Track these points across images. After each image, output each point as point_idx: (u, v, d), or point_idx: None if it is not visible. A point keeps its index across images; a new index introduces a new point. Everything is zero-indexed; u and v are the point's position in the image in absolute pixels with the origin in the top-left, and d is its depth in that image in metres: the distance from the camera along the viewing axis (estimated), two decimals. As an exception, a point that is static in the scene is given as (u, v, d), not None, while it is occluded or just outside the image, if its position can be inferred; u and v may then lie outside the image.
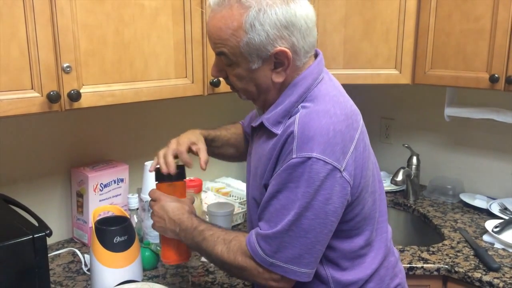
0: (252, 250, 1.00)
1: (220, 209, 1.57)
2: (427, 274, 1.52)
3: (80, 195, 1.60)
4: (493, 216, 1.84)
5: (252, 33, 0.96)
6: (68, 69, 1.20)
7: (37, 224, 1.15)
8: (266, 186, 1.03)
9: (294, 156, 0.95)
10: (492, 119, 1.90)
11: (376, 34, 1.81)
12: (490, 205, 1.90)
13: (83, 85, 1.25)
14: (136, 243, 1.31)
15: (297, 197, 0.95)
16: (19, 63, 1.13)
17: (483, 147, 2.06)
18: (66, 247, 1.59)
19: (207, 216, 1.60)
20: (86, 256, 1.49)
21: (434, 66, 1.79)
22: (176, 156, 1.19)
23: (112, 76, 1.31)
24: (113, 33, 1.29)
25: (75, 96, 1.21)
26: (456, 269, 1.48)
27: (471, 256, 1.56)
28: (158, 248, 1.43)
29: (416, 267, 1.51)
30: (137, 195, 1.54)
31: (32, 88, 1.16)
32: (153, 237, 1.49)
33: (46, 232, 1.08)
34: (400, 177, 1.96)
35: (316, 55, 1.08)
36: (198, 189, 1.61)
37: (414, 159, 2.12)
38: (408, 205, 2.05)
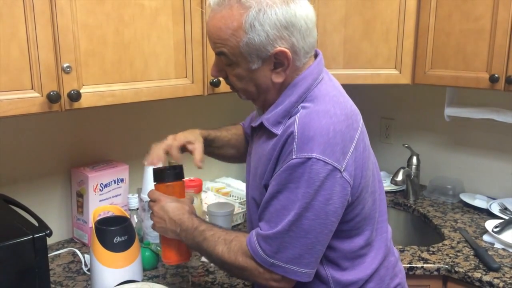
0: (253, 251, 1.00)
1: (220, 209, 1.57)
2: (427, 274, 1.52)
3: (80, 195, 1.60)
4: (493, 216, 1.84)
5: (252, 33, 0.96)
6: (68, 69, 1.20)
7: (37, 224, 1.15)
8: (266, 187, 1.03)
9: (294, 156, 0.95)
10: (492, 119, 1.90)
11: (376, 34, 1.81)
12: (490, 205, 1.90)
13: (83, 85, 1.25)
14: (136, 243, 1.31)
15: (297, 197, 0.95)
16: (19, 63, 1.13)
17: (483, 147, 2.06)
18: (66, 247, 1.60)
19: (207, 216, 1.60)
20: (86, 256, 1.49)
21: (434, 66, 1.79)
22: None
23: (112, 76, 1.31)
24: (113, 33, 1.29)
25: (75, 96, 1.21)
26: (456, 269, 1.49)
27: (471, 256, 1.56)
28: (158, 248, 1.43)
29: (416, 267, 1.51)
30: (137, 195, 1.54)
31: (32, 88, 1.16)
32: (153, 237, 1.49)
33: (46, 232, 1.08)
34: (400, 177, 1.96)
35: (316, 55, 1.08)
36: (198, 189, 1.62)
37: (414, 159, 2.12)
38: (408, 205, 2.05)
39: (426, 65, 1.80)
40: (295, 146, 0.96)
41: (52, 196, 1.62)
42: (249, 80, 1.03)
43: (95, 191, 1.57)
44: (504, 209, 1.87)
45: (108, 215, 1.38)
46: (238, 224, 1.78)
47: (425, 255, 1.58)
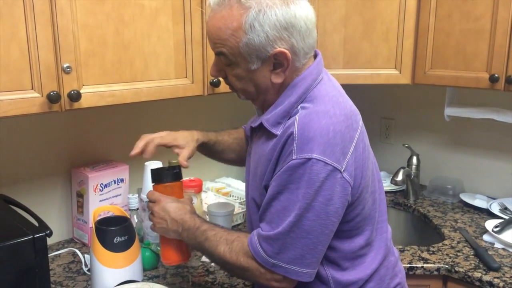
0: (254, 251, 1.01)
1: (220, 209, 1.57)
2: (427, 274, 1.52)
3: (80, 195, 1.60)
4: (493, 216, 1.84)
5: (252, 34, 0.96)
6: (68, 69, 1.20)
7: (37, 224, 1.15)
8: (266, 188, 1.03)
9: (294, 157, 0.95)
10: (492, 119, 1.90)
11: (376, 34, 1.81)
12: (490, 205, 1.90)
13: (83, 85, 1.25)
14: (136, 243, 1.31)
15: (297, 198, 0.95)
16: (19, 63, 1.13)
17: (483, 147, 2.06)
18: (66, 247, 1.60)
19: (207, 216, 1.60)
20: (86, 256, 1.49)
21: (434, 66, 1.79)
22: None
23: (112, 76, 1.31)
24: (113, 33, 1.29)
25: (75, 96, 1.21)
26: (456, 268, 1.49)
27: (471, 256, 1.56)
28: (158, 248, 1.43)
29: (416, 267, 1.52)
30: (137, 195, 1.55)
31: (32, 89, 1.16)
32: (153, 237, 1.49)
33: (46, 232, 1.09)
34: (400, 177, 1.96)
35: (315, 56, 1.08)
36: (198, 189, 1.62)
37: (414, 159, 2.12)
38: (408, 205, 2.05)
39: (426, 65, 1.80)
40: (295, 146, 0.96)
41: (52, 196, 1.62)
42: (249, 81, 1.03)
43: (95, 191, 1.57)
44: (504, 209, 1.87)
45: (108, 215, 1.38)
46: (238, 224, 1.79)
47: (425, 255, 1.58)
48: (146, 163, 1.52)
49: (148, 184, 1.50)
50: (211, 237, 1.07)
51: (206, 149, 1.34)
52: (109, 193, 1.62)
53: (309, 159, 0.94)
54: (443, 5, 1.73)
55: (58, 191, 1.63)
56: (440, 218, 1.88)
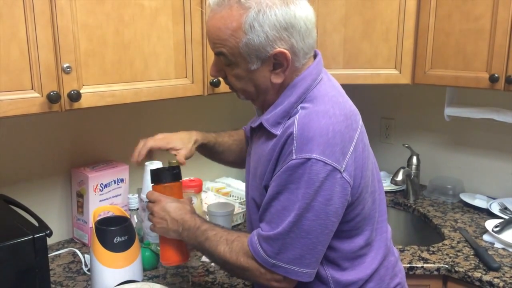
0: (254, 251, 1.01)
1: (220, 209, 1.57)
2: (427, 274, 1.52)
3: (80, 195, 1.60)
4: (493, 215, 1.84)
5: (251, 34, 0.96)
6: (68, 69, 1.20)
7: (37, 224, 1.15)
8: (266, 188, 1.03)
9: (293, 157, 0.95)
10: (492, 119, 1.90)
11: (376, 34, 1.81)
12: (490, 205, 1.90)
13: (83, 85, 1.25)
14: (136, 243, 1.31)
15: (297, 198, 0.95)
16: (19, 63, 1.13)
17: (483, 147, 2.06)
18: (66, 247, 1.60)
19: (207, 216, 1.60)
20: (86, 256, 1.49)
21: (434, 66, 1.79)
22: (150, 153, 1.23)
23: (112, 76, 1.31)
24: (113, 33, 1.29)
25: (75, 96, 1.21)
26: (456, 268, 1.49)
27: (471, 256, 1.56)
28: (158, 248, 1.43)
29: (416, 267, 1.52)
30: (137, 195, 1.54)
31: (32, 89, 1.16)
32: (153, 237, 1.49)
33: (46, 232, 1.09)
34: (400, 177, 1.96)
35: (315, 56, 1.08)
36: (198, 189, 1.62)
37: (414, 159, 2.12)
38: (408, 205, 2.05)
39: (426, 65, 1.80)
40: (295, 146, 0.96)
41: (52, 196, 1.62)
42: (248, 81, 1.03)
43: (95, 191, 1.57)
44: (504, 209, 1.87)
45: (108, 215, 1.38)
46: (238, 224, 1.79)
47: (425, 255, 1.58)
48: (146, 163, 1.52)
49: (148, 184, 1.50)
50: (212, 237, 1.07)
51: (206, 150, 1.34)
52: (109, 193, 1.62)
53: (309, 159, 0.94)
54: (443, 5, 1.73)
55: (58, 191, 1.63)
56: (440, 218, 1.88)
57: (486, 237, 1.68)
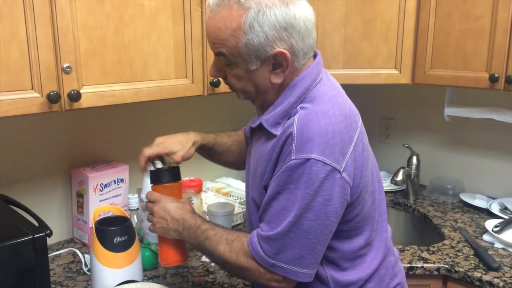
0: (254, 251, 1.01)
1: (220, 209, 1.57)
2: (427, 273, 1.52)
3: (80, 195, 1.60)
4: (493, 215, 1.84)
5: (251, 34, 0.96)
6: (68, 69, 1.20)
7: (37, 224, 1.15)
8: (266, 188, 1.03)
9: (293, 157, 0.95)
10: (492, 119, 1.90)
11: (376, 34, 1.81)
12: (490, 205, 1.90)
13: (83, 85, 1.25)
14: (136, 243, 1.31)
15: (296, 198, 0.95)
16: (19, 63, 1.13)
17: (483, 147, 2.06)
18: (66, 247, 1.60)
19: (207, 216, 1.60)
20: (86, 256, 1.49)
21: (434, 66, 1.79)
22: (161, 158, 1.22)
23: (112, 76, 1.31)
24: (113, 33, 1.29)
25: (75, 96, 1.21)
26: (456, 268, 1.49)
27: (471, 256, 1.56)
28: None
29: (416, 267, 1.52)
30: (137, 195, 1.54)
31: (32, 89, 1.16)
32: (153, 237, 1.48)
33: (46, 232, 1.09)
34: (400, 177, 1.96)
35: (314, 56, 1.08)
36: (198, 189, 1.62)
37: (414, 159, 2.12)
38: (408, 205, 2.05)
39: (426, 65, 1.80)
40: (294, 146, 0.96)
41: (52, 196, 1.62)
42: (248, 81, 1.03)
43: (95, 191, 1.57)
44: (504, 209, 1.87)
45: (108, 215, 1.38)
46: (238, 224, 1.79)
47: (425, 254, 1.58)
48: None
49: (148, 184, 1.50)
50: (212, 237, 1.07)
51: (205, 151, 1.34)
52: (109, 193, 1.62)
53: (308, 159, 0.94)
54: (443, 5, 1.73)
55: (58, 191, 1.63)
56: (440, 218, 1.88)
57: (486, 237, 1.68)
